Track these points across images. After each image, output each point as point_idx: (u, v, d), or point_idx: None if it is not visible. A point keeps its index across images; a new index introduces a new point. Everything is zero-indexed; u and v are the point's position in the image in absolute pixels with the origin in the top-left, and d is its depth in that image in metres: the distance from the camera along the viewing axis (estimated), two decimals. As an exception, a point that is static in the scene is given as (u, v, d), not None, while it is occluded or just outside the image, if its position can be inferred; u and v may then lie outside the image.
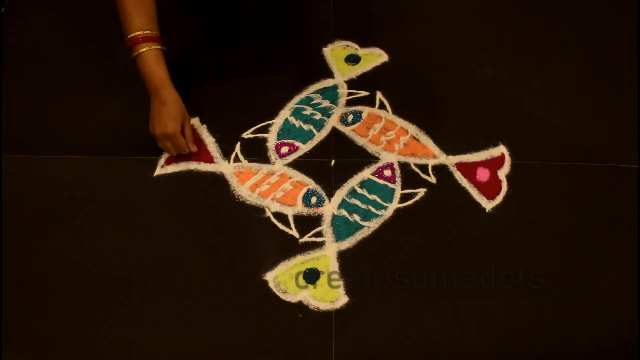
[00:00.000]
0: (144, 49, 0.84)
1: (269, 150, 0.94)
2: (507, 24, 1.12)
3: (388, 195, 0.90)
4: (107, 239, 0.86)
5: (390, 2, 1.16)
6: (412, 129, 0.97)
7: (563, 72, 1.04)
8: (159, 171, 0.92)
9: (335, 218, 0.88)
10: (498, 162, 0.93)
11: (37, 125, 0.98)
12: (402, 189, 0.90)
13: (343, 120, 0.98)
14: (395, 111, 0.99)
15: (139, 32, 0.84)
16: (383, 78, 1.03)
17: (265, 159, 0.93)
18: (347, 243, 0.85)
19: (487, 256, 0.84)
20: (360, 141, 0.95)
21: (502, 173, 0.92)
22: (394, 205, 0.89)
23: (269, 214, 0.88)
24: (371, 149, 0.94)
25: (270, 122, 0.97)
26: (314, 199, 0.89)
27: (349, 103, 1.00)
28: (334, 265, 0.83)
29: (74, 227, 0.87)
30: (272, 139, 0.96)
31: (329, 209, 0.88)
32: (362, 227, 0.87)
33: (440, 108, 1.00)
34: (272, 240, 0.85)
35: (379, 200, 0.89)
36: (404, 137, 0.96)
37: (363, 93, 1.01)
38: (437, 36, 1.10)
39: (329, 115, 0.98)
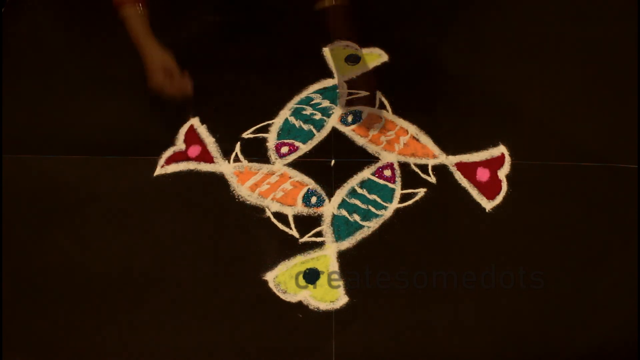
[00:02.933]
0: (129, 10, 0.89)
1: (269, 150, 0.95)
2: (507, 24, 1.12)
3: (388, 195, 0.90)
4: (107, 239, 0.86)
5: (390, 2, 1.16)
6: (412, 129, 0.97)
7: (563, 72, 1.04)
8: (159, 171, 0.92)
9: (335, 218, 0.88)
10: (498, 162, 0.93)
11: (37, 125, 0.98)
12: (402, 189, 0.90)
13: (343, 120, 0.98)
14: (395, 111, 0.99)
15: None
16: (383, 78, 1.03)
17: (265, 159, 0.93)
18: (347, 243, 0.85)
19: (487, 256, 0.84)
20: (360, 141, 0.95)
21: (502, 173, 0.92)
22: (394, 205, 0.89)
23: (269, 214, 0.88)
24: (371, 149, 0.94)
25: (270, 122, 0.97)
26: (314, 199, 0.89)
27: (349, 103, 1.00)
28: (334, 265, 0.83)
29: (74, 227, 0.87)
30: (272, 139, 0.96)
31: (329, 209, 0.88)
32: (362, 227, 0.87)
33: (440, 108, 1.00)
34: (272, 240, 0.85)
35: (379, 200, 0.89)
36: (404, 137, 0.96)
37: (363, 93, 1.01)
38: (437, 36, 1.10)
39: (329, 115, 0.98)
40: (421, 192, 0.90)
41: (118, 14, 0.91)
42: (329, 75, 1.03)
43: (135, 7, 0.91)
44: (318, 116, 0.98)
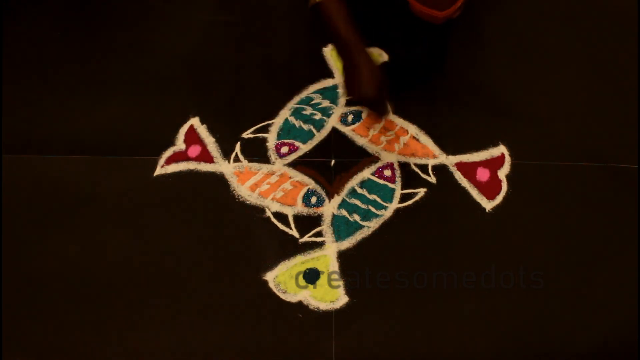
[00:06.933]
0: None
1: (269, 150, 0.95)
2: (508, 24, 1.12)
3: (388, 195, 0.90)
4: (107, 239, 0.86)
5: (390, 2, 1.15)
6: (412, 129, 0.97)
7: (563, 72, 1.04)
8: (159, 171, 0.92)
9: (335, 218, 0.88)
10: (498, 162, 0.93)
11: (37, 125, 0.98)
12: (402, 189, 0.90)
13: (343, 120, 0.98)
14: (395, 111, 0.99)
15: None
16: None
17: (265, 159, 0.94)
18: (347, 243, 0.85)
19: (487, 256, 0.84)
20: (360, 141, 0.95)
21: (502, 173, 0.92)
22: (394, 205, 0.89)
23: (269, 214, 0.88)
24: (371, 149, 0.94)
25: (270, 122, 0.97)
26: (314, 199, 0.89)
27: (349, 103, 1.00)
28: (334, 265, 0.83)
29: (74, 227, 0.87)
30: (272, 139, 0.96)
31: (329, 209, 0.88)
32: (362, 227, 0.87)
33: (440, 108, 1.00)
34: (272, 240, 0.86)
35: (379, 200, 0.89)
36: (404, 137, 0.96)
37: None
38: (436, 36, 1.10)
39: (329, 115, 0.98)
40: (421, 192, 0.90)
41: (310, 3, 0.81)
42: (329, 75, 1.03)
43: None
44: (318, 116, 0.98)
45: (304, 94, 1.01)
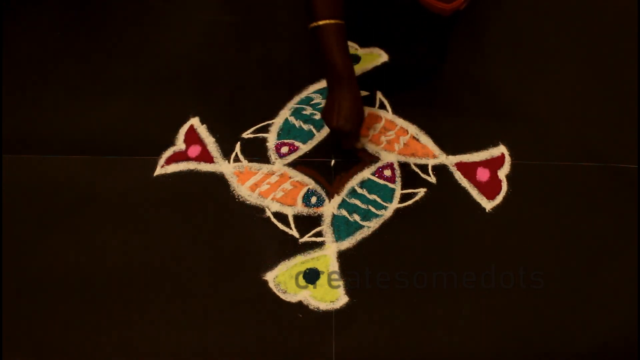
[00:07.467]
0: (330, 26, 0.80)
1: (269, 150, 0.95)
2: (508, 24, 1.12)
3: (388, 195, 0.90)
4: (107, 239, 0.86)
5: (389, 2, 1.15)
6: (412, 129, 0.97)
7: (563, 72, 1.04)
8: (159, 171, 0.92)
9: (335, 218, 0.88)
10: (498, 162, 0.93)
11: (37, 125, 0.98)
12: (402, 189, 0.90)
13: (343, 120, 0.98)
14: (395, 111, 0.99)
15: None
16: (383, 78, 1.03)
17: (265, 159, 0.94)
18: (347, 243, 0.85)
19: (487, 256, 0.84)
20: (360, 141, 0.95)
21: (502, 173, 0.92)
22: (394, 205, 0.89)
23: (269, 214, 0.88)
24: (371, 148, 0.94)
25: (270, 122, 0.97)
26: (314, 199, 0.89)
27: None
28: (334, 265, 0.83)
29: (74, 227, 0.87)
30: (272, 139, 0.96)
31: (329, 208, 0.88)
32: (362, 227, 0.87)
33: (440, 108, 1.00)
34: (272, 240, 0.86)
35: (379, 200, 0.89)
36: (404, 137, 0.96)
37: (363, 93, 1.01)
38: (437, 36, 1.10)
39: (329, 115, 0.98)
40: (421, 192, 0.90)
41: (310, 25, 0.82)
42: (329, 75, 1.03)
43: (337, 22, 0.80)
44: (318, 116, 0.98)
45: (304, 94, 1.01)
